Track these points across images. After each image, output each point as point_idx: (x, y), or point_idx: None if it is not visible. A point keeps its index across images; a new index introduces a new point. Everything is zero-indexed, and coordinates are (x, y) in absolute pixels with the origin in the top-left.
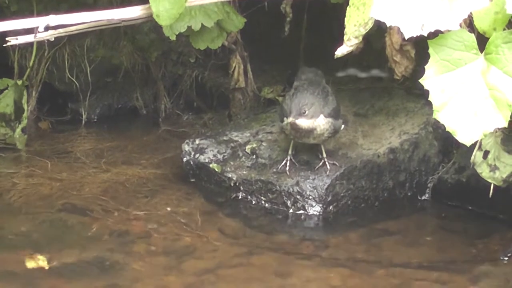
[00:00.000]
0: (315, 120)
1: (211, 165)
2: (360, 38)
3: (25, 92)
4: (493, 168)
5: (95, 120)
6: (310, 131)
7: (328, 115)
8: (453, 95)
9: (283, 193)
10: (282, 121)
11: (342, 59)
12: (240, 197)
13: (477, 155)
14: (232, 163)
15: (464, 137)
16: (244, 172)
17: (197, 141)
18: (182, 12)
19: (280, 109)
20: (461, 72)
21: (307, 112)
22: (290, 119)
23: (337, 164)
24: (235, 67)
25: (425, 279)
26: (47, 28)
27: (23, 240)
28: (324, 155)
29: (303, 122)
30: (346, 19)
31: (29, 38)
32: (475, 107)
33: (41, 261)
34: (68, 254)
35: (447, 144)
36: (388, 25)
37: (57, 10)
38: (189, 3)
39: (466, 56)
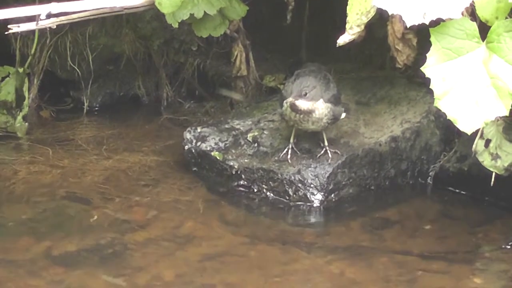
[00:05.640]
0: (314, 103)
1: (212, 153)
2: (362, 27)
3: (26, 80)
4: (495, 157)
5: (97, 108)
6: (308, 113)
7: (328, 101)
8: (454, 83)
9: (284, 182)
10: (282, 107)
11: (344, 48)
12: (241, 185)
13: (478, 144)
14: (233, 151)
15: (465, 126)
16: (246, 160)
17: (198, 129)
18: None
19: (280, 96)
20: (462, 60)
21: (308, 94)
22: (290, 99)
23: (338, 152)
24: (237, 55)
25: (426, 269)
26: (49, 16)
27: (24, 228)
28: (326, 143)
29: (303, 104)
30: (348, 8)
31: (31, 26)
32: (477, 95)
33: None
34: (70, 242)
35: (449, 132)
36: (390, 13)
37: None
38: None
39: (467, 45)
